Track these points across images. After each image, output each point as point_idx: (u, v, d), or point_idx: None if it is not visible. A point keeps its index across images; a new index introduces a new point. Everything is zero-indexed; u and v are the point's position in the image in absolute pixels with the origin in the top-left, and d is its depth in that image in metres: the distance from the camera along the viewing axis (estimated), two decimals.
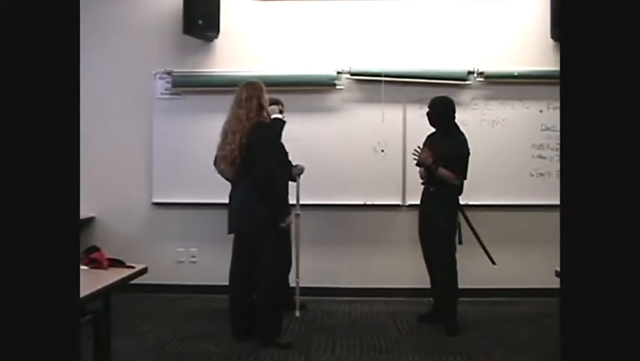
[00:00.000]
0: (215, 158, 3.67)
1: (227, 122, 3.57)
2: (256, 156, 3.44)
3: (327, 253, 4.85)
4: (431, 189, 3.98)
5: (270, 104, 3.81)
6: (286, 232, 3.85)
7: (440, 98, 4.06)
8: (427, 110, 4.03)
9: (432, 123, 4.04)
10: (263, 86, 3.64)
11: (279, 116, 3.97)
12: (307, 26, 4.93)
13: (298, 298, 4.25)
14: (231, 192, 3.65)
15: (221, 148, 3.58)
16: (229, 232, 3.63)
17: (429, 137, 4.10)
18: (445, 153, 3.85)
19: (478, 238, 3.99)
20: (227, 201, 3.66)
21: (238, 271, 3.66)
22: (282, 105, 4.10)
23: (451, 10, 4.91)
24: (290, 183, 4.14)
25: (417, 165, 4.03)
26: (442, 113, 3.96)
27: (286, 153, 4.06)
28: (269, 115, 3.69)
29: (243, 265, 3.63)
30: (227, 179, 3.67)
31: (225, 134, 3.56)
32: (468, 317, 4.15)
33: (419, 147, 4.02)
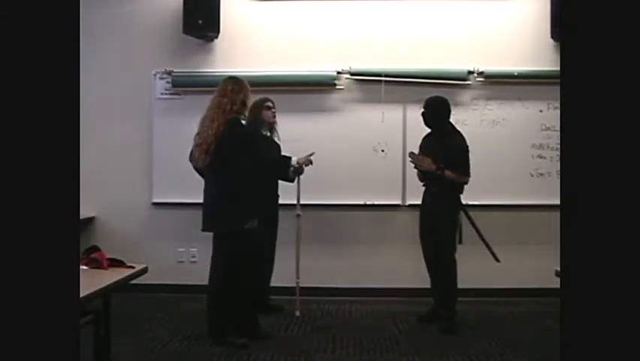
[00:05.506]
0: (191, 151, 3.59)
1: (208, 110, 3.50)
2: (229, 155, 3.37)
3: (327, 253, 4.85)
4: (433, 188, 3.97)
5: (263, 102, 3.94)
6: (272, 231, 3.78)
7: (435, 98, 4.04)
8: (422, 110, 4.01)
9: (427, 124, 4.02)
10: (249, 86, 3.60)
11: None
12: (307, 26, 4.93)
13: (298, 298, 4.25)
14: (204, 188, 3.56)
15: (197, 136, 3.50)
16: (202, 230, 3.56)
17: (425, 138, 4.08)
18: (446, 154, 3.84)
19: (481, 236, 3.99)
20: None
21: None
22: (272, 102, 4.15)
23: (451, 10, 4.90)
24: (289, 182, 4.15)
25: (415, 168, 4.03)
26: (438, 113, 3.95)
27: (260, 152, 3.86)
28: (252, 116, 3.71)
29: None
30: (199, 173, 3.61)
31: (203, 121, 3.49)
32: (468, 317, 4.15)
33: (413, 153, 4.01)
